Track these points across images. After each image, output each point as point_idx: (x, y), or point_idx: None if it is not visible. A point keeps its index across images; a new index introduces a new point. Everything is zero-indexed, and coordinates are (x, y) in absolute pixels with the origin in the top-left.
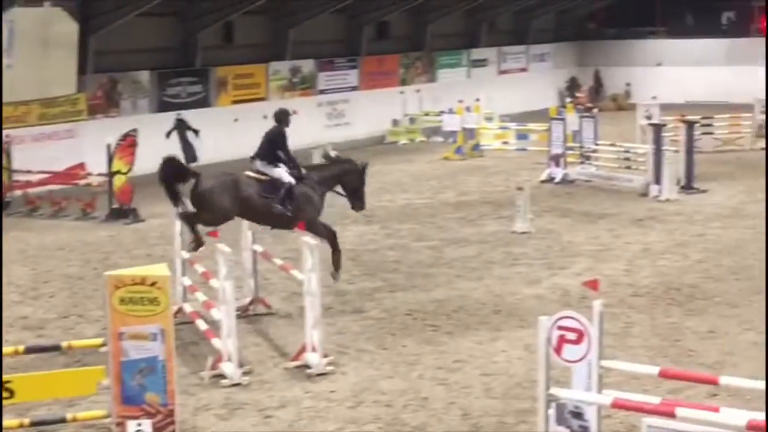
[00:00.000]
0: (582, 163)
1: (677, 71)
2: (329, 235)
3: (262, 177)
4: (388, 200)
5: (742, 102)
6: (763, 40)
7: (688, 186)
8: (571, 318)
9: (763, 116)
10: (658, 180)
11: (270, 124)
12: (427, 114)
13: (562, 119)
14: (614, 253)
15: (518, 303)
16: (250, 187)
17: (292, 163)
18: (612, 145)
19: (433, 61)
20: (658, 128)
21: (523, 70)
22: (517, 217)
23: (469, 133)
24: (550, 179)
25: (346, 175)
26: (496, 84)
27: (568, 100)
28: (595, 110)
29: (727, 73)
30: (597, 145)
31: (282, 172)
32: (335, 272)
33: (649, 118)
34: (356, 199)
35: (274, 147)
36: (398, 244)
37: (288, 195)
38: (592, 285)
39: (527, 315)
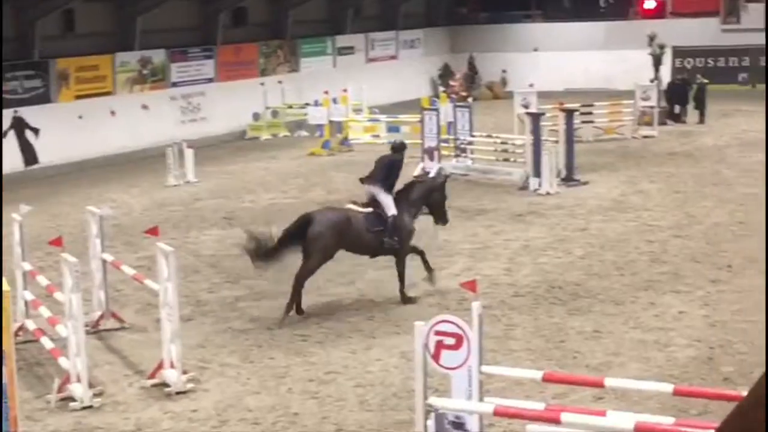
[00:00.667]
0: (457, 156)
1: (555, 57)
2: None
3: (366, 210)
4: (251, 201)
5: (623, 88)
6: (642, 22)
7: (568, 178)
8: (449, 322)
9: (647, 103)
10: (537, 172)
11: (114, 124)
12: (290, 107)
13: (436, 110)
14: (493, 251)
15: (393, 308)
16: (359, 223)
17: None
18: (488, 136)
19: (296, 50)
20: (536, 117)
21: (393, 57)
22: None
23: (337, 126)
24: (424, 173)
25: (432, 193)
26: (365, 73)
27: (442, 89)
28: (470, 99)
29: (607, 58)
30: (473, 136)
31: (390, 202)
32: (431, 275)
33: (526, 107)
34: (440, 215)
35: (388, 174)
36: None
37: (393, 226)
38: (471, 286)
39: (403, 320)
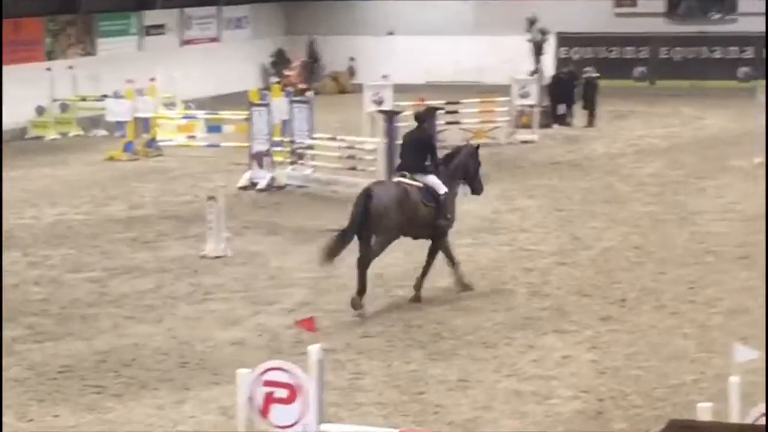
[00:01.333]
0: (294, 163)
1: (415, 42)
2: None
3: (416, 183)
4: (33, 217)
5: (497, 82)
6: (521, 2)
7: None
8: (281, 370)
9: (526, 101)
10: None
11: None
12: (84, 99)
13: (267, 105)
14: (338, 281)
15: (211, 352)
16: (415, 196)
17: (437, 167)
18: (332, 138)
19: (92, 28)
20: (391, 117)
21: (214, 39)
22: (208, 237)
23: (143, 124)
24: (252, 185)
25: (468, 160)
26: (179, 58)
27: (275, 79)
28: (310, 93)
29: (478, 45)
30: (313, 139)
31: (437, 181)
32: (465, 285)
33: (379, 103)
34: (477, 185)
35: (423, 154)
36: (47, 277)
37: (445, 204)
38: (308, 325)
39: (223, 367)
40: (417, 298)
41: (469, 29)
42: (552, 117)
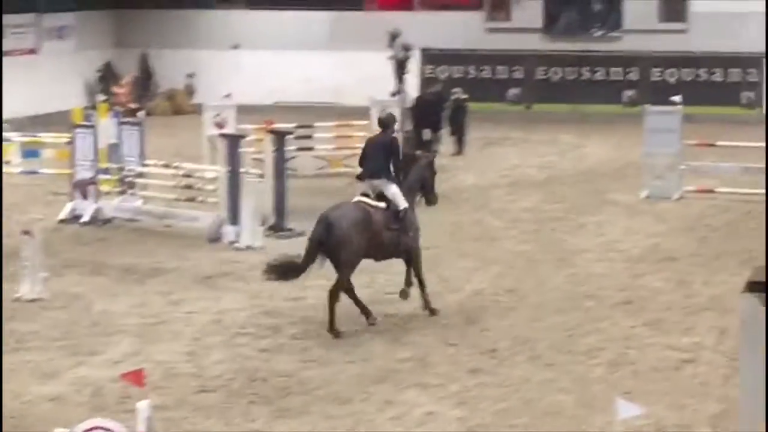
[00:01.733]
0: (123, 193)
1: (262, 57)
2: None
3: (379, 204)
4: None
5: (355, 104)
6: (382, 14)
7: (278, 227)
8: (105, 429)
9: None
10: (235, 218)
11: None
12: None
13: (92, 127)
14: (171, 328)
15: (26, 408)
16: (378, 219)
17: (398, 176)
18: (167, 166)
19: None
20: (234, 141)
21: (32, 51)
22: (23, 277)
23: None
24: (75, 218)
25: (426, 173)
26: None
27: (102, 97)
28: (142, 113)
29: (334, 62)
30: (145, 166)
31: (398, 193)
32: (407, 289)
33: (221, 126)
34: (432, 196)
35: (387, 158)
36: None
37: (408, 221)
38: (136, 378)
39: (40, 426)
40: (433, 312)
41: (324, 43)
42: (416, 144)
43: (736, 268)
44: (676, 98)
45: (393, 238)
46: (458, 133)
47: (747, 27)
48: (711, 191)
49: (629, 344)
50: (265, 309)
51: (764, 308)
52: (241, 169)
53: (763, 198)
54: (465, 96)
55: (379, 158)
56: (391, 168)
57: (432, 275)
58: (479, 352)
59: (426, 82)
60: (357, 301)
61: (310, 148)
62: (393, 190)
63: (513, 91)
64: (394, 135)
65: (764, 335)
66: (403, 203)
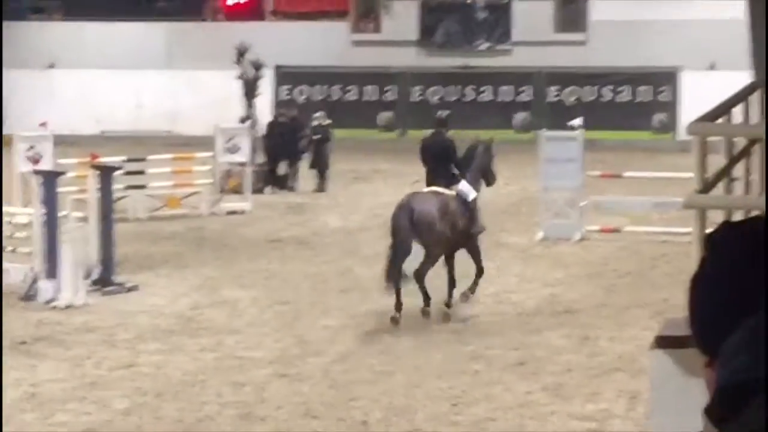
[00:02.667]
0: None
1: (84, 78)
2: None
3: (452, 192)
4: None
5: (196, 132)
6: (227, 25)
7: (105, 280)
8: None
9: (234, 157)
10: (52, 271)
11: None
12: None
13: None
14: None
15: None
16: (453, 204)
17: (462, 172)
18: None
19: None
20: (51, 179)
21: None
22: None
23: None
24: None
25: (485, 159)
26: None
27: None
28: None
29: (171, 83)
30: None
31: (467, 187)
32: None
33: (35, 161)
34: (490, 176)
35: (447, 162)
36: None
37: (477, 210)
38: None
39: None
40: (447, 317)
41: (159, 61)
42: (270, 179)
43: (647, 322)
44: (576, 122)
45: (465, 226)
46: (320, 166)
47: (658, 37)
48: (618, 231)
49: (525, 413)
50: (89, 379)
51: (678, 367)
52: (60, 212)
53: (678, 239)
54: (328, 122)
55: (439, 163)
56: (453, 168)
57: (289, 336)
58: (347, 424)
59: (282, 105)
60: (424, 291)
61: (142, 186)
62: (462, 186)
63: (384, 115)
64: (450, 137)
65: (678, 398)
66: (472, 194)
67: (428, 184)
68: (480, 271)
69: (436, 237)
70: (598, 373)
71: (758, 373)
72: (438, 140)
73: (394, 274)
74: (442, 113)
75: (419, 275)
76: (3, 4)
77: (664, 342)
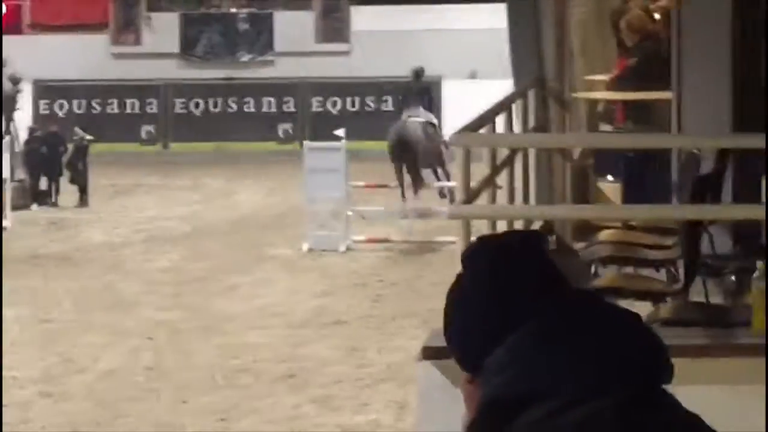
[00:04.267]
0: None
1: None
2: None
3: None
4: None
5: None
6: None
7: None
8: None
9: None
10: None
11: None
12: None
13: None
14: None
15: None
16: None
17: None
18: None
19: None
20: None
21: None
22: None
23: None
24: None
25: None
26: None
27: None
28: None
29: None
30: None
31: None
32: None
33: None
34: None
35: None
36: None
37: None
38: None
39: None
40: None
41: None
42: (30, 194)
43: (415, 331)
44: (340, 132)
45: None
46: (80, 180)
47: (420, 46)
48: (384, 240)
49: (294, 426)
50: None
51: (445, 377)
52: None
53: (447, 246)
54: (89, 137)
55: (419, 98)
56: None
57: (52, 354)
58: None
59: (41, 119)
60: None
61: None
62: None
63: (146, 128)
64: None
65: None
66: None
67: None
68: None
69: None
70: (366, 384)
71: (522, 389)
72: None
73: None
74: None
75: None
76: None
77: (430, 353)
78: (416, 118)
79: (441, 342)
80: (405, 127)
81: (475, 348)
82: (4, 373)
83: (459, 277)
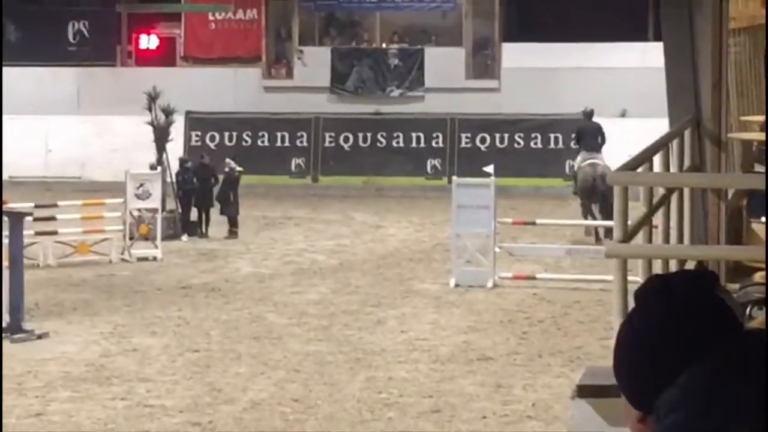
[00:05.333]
0: None
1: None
2: None
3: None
4: None
5: (106, 179)
6: (138, 70)
7: (14, 327)
8: None
9: (146, 203)
10: None
11: None
12: None
13: None
14: None
15: None
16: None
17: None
18: None
19: None
20: None
21: None
22: None
23: None
24: None
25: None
26: None
27: None
28: None
29: (80, 128)
30: None
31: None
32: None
33: None
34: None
35: (602, 138)
36: None
37: None
38: None
39: None
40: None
41: (69, 105)
42: (181, 225)
43: (561, 369)
44: (489, 168)
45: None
46: (230, 212)
47: (569, 84)
48: (531, 278)
49: None
50: None
51: (599, 416)
52: None
53: (591, 286)
54: (238, 168)
55: (596, 137)
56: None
57: (200, 383)
58: None
59: (192, 150)
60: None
61: (52, 233)
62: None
63: (296, 161)
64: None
65: None
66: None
67: (586, 150)
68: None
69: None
70: (512, 421)
71: (695, 429)
72: (593, 125)
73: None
74: (587, 108)
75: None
76: None
77: (585, 391)
78: (598, 160)
79: (596, 380)
80: (595, 168)
81: (648, 386)
82: (152, 401)
83: (631, 313)
